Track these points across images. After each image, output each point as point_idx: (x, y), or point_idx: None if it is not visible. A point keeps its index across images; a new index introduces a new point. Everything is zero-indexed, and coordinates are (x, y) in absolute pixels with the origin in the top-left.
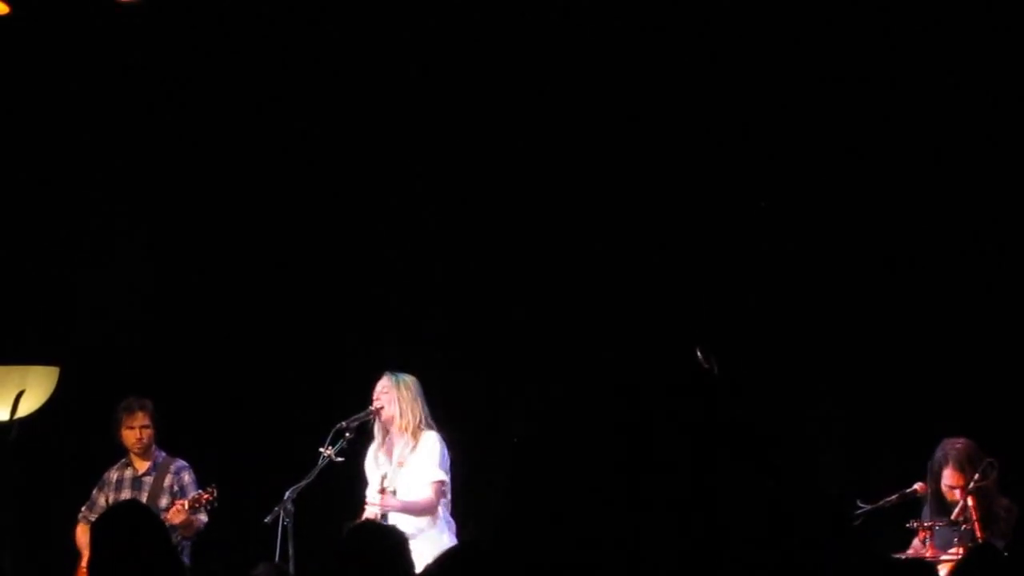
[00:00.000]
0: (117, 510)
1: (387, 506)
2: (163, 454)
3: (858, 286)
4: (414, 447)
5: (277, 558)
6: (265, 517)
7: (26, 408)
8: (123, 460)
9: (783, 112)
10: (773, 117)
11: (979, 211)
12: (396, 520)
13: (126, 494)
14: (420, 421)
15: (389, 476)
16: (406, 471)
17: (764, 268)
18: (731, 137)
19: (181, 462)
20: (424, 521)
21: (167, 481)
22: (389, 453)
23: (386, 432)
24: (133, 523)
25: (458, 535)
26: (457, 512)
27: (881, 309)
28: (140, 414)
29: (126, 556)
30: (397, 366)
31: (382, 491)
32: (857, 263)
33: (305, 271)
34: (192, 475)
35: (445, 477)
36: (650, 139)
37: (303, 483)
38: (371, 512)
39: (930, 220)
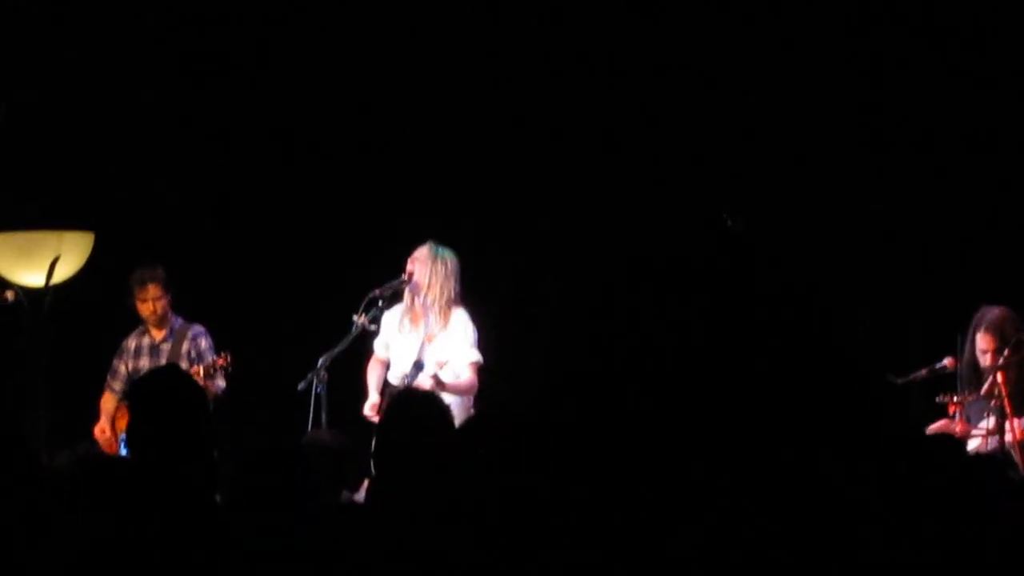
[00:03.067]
0: (156, 374)
1: (437, 386)
2: (180, 320)
3: (886, 158)
4: (444, 324)
5: (310, 425)
6: (299, 384)
7: (61, 274)
8: (140, 327)
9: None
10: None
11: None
12: None
13: (144, 362)
14: (449, 298)
15: (418, 350)
16: (435, 347)
17: (788, 137)
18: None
19: (198, 327)
20: (454, 399)
21: (184, 347)
22: (415, 322)
23: (414, 299)
24: (172, 387)
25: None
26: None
27: (910, 181)
28: (151, 287)
29: (165, 421)
30: (437, 237)
31: (434, 376)
32: (888, 130)
33: (342, 139)
34: (209, 340)
35: (480, 358)
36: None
37: (336, 350)
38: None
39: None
